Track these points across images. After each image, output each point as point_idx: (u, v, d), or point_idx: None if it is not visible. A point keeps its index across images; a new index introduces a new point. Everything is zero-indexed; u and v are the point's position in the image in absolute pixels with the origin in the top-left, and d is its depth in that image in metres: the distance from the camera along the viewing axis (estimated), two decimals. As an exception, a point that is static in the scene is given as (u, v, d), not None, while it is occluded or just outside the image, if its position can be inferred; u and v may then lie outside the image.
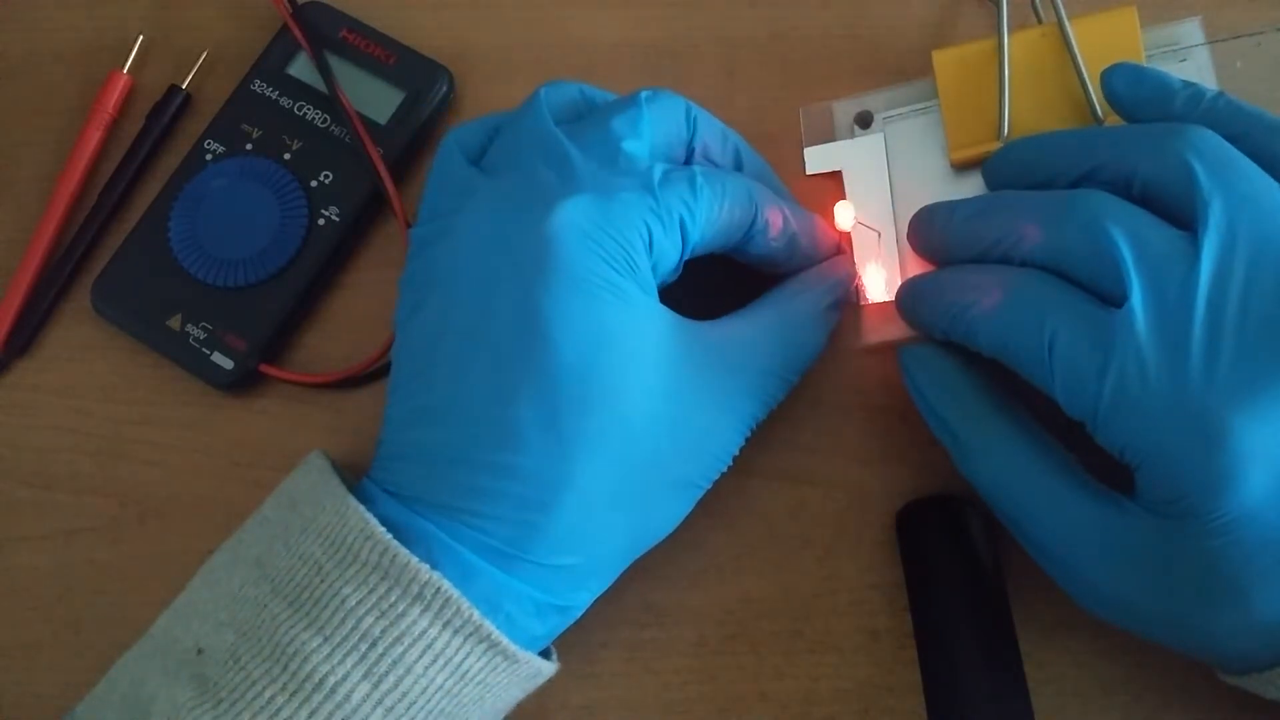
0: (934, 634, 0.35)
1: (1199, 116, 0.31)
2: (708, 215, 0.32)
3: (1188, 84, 0.31)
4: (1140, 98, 0.32)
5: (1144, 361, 0.27)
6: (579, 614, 0.32)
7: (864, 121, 0.38)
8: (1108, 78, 0.33)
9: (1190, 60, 0.36)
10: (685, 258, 0.33)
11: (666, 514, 0.32)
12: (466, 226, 0.32)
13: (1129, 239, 0.28)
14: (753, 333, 0.33)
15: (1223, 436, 0.27)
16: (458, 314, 0.31)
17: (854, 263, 0.36)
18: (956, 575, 0.35)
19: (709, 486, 0.33)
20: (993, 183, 0.35)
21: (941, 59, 0.37)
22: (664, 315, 0.31)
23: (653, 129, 0.33)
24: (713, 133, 0.35)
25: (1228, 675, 0.30)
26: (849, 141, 0.38)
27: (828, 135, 0.39)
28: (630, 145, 0.32)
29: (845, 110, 0.39)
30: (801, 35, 0.41)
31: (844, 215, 0.36)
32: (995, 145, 0.36)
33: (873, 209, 0.37)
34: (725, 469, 0.33)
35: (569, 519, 0.30)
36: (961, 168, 0.37)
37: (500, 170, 0.33)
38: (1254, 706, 0.30)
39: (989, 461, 0.32)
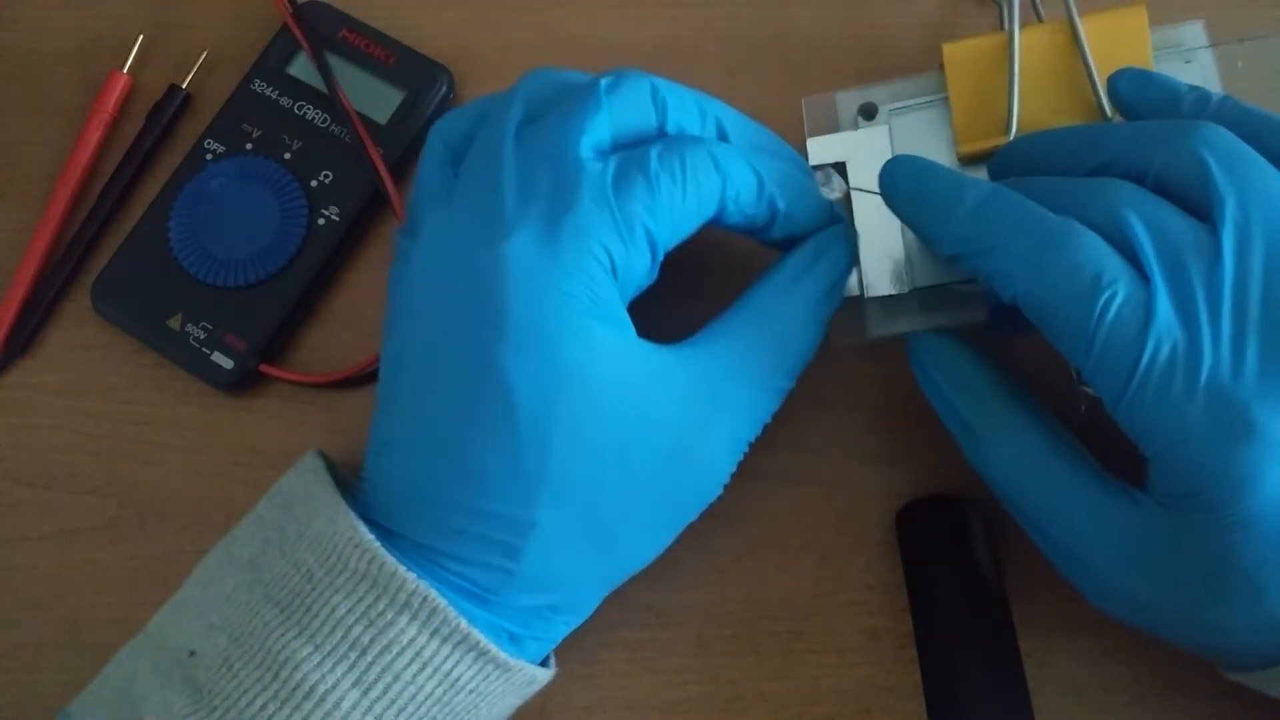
0: (934, 634, 0.35)
1: (1207, 119, 0.30)
2: (672, 208, 0.30)
3: (1194, 88, 0.31)
4: (1147, 102, 0.32)
5: (1175, 348, 0.27)
6: (560, 640, 0.32)
7: (868, 113, 0.38)
8: (1114, 82, 0.33)
9: (1195, 62, 0.36)
10: (659, 261, 0.31)
11: (645, 547, 0.32)
12: (420, 263, 0.30)
13: (1148, 226, 0.28)
14: (738, 344, 0.31)
15: (1248, 432, 0.26)
16: (415, 353, 0.30)
17: (853, 229, 0.33)
18: (956, 575, 0.34)
19: (696, 517, 0.32)
20: (999, 177, 0.34)
21: (952, 52, 0.36)
22: (632, 347, 0.30)
23: (614, 120, 0.30)
24: (686, 111, 0.32)
25: (1232, 672, 0.30)
26: (853, 133, 0.37)
27: (831, 126, 0.38)
28: (587, 144, 0.30)
29: (849, 101, 0.38)
30: (802, 35, 0.41)
31: (832, 179, 0.34)
32: (1004, 140, 0.35)
33: (877, 203, 0.37)
34: (717, 496, 0.32)
35: (535, 562, 0.29)
36: (969, 162, 0.37)
37: (462, 185, 0.31)
38: (1255, 706, 0.30)
39: (1000, 451, 0.31)
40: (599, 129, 0.30)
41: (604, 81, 0.31)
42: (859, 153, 0.37)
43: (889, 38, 0.41)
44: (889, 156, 0.37)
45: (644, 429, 0.29)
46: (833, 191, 0.33)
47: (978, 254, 0.30)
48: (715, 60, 0.42)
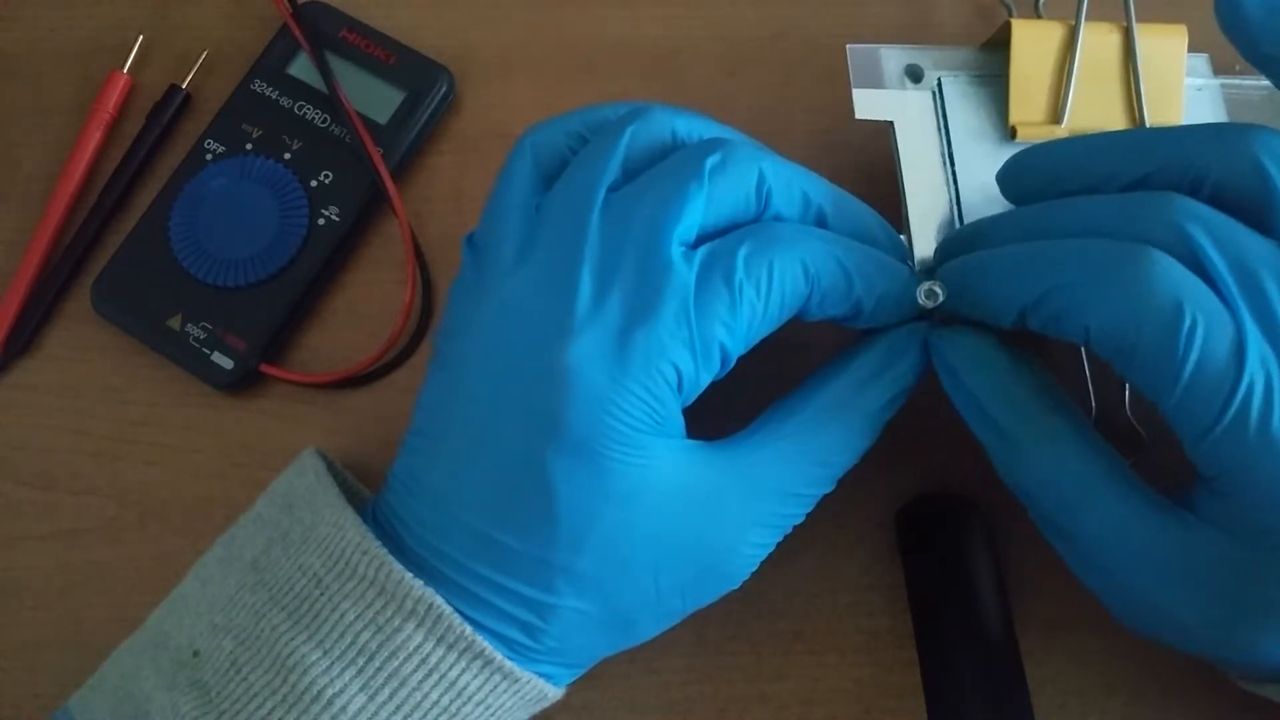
0: (934, 634, 0.35)
1: None
2: (752, 321, 0.28)
3: None
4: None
5: (1269, 379, 0.25)
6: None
7: (915, 75, 0.37)
8: None
9: (1205, 90, 0.37)
10: (729, 369, 0.29)
11: (659, 628, 0.31)
12: (487, 325, 0.29)
13: (1219, 245, 0.26)
14: (787, 458, 0.30)
15: None
16: (466, 414, 0.29)
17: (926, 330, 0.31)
18: (956, 575, 0.35)
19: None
20: (1017, 185, 0.32)
21: (1020, 29, 0.36)
22: (681, 458, 0.28)
23: (711, 206, 0.28)
24: (789, 201, 0.30)
25: (1245, 682, 0.30)
26: (902, 92, 0.37)
27: (875, 81, 0.37)
28: (679, 235, 0.28)
29: (894, 58, 0.37)
30: (801, 35, 0.41)
31: (935, 286, 0.30)
32: (1058, 128, 0.35)
33: (926, 169, 0.36)
34: (733, 590, 0.31)
35: (551, 644, 0.29)
36: (1018, 141, 0.36)
37: (542, 242, 0.29)
38: (1256, 707, 0.30)
39: (1040, 463, 0.29)
40: (693, 215, 0.28)
41: (710, 160, 0.28)
42: (906, 114, 0.36)
43: (888, 39, 0.41)
44: (935, 122, 0.36)
45: (679, 538, 0.29)
46: (929, 298, 0.30)
47: (1038, 302, 0.28)
48: (715, 60, 0.42)
